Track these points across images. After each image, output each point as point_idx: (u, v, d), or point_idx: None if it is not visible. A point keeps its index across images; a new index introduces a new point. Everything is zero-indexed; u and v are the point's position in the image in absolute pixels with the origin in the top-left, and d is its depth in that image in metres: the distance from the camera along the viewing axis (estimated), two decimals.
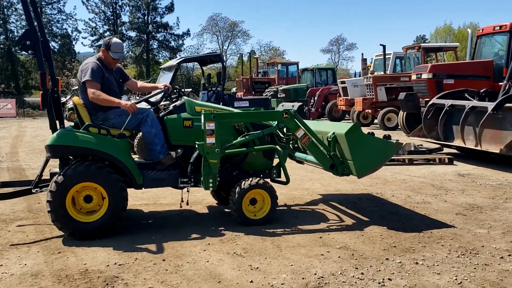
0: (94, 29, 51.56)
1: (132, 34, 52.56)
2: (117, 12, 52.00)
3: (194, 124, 4.75)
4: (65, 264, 3.64)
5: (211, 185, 4.62)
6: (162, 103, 5.08)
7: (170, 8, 52.36)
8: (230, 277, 3.39)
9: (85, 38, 58.67)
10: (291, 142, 5.36)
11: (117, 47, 4.75)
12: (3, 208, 5.35)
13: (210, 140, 4.49)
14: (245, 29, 64.73)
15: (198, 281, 3.33)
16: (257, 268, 3.55)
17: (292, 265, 3.60)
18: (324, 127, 5.28)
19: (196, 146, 4.57)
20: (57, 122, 4.58)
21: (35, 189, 4.71)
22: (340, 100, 18.99)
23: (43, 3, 49.08)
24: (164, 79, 10.77)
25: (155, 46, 53.90)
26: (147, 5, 51.13)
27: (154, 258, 3.78)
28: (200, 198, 5.85)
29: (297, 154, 5.66)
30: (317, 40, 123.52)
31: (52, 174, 4.46)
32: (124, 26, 52.22)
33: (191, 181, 4.72)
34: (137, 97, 7.63)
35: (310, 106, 21.20)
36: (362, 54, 19.98)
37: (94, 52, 49.21)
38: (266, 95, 24.18)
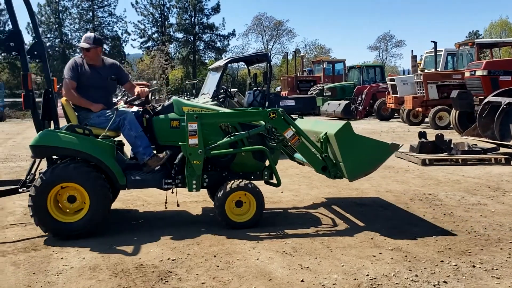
0: (142, 31, 53.01)
1: (179, 35, 53.70)
2: (165, 14, 53.25)
3: (181, 124, 4.64)
4: (121, 259, 3.77)
5: (194, 186, 4.53)
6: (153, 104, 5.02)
7: (216, 9, 53.07)
8: (281, 275, 3.40)
9: (134, 40, 60.34)
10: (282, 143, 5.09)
11: (84, 38, 4.81)
12: None
13: (193, 141, 4.42)
14: (290, 28, 64.64)
15: (249, 278, 3.36)
16: (307, 267, 3.54)
17: (343, 265, 3.56)
18: (319, 127, 5.07)
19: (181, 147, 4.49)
20: (52, 122, 4.59)
21: (22, 189, 4.64)
22: (389, 98, 18.57)
23: (95, 6, 51.04)
24: (211, 80, 10.89)
25: (201, 47, 54.76)
26: (194, 7, 52.02)
27: (206, 254, 3.84)
28: None
29: (296, 155, 5.41)
30: (364, 37, 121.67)
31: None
32: (171, 28, 53.37)
33: (175, 182, 4.64)
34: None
35: (357, 105, 20.89)
36: (412, 51, 19.52)
37: (143, 53, 50.62)
38: (312, 93, 24.04)
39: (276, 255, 3.80)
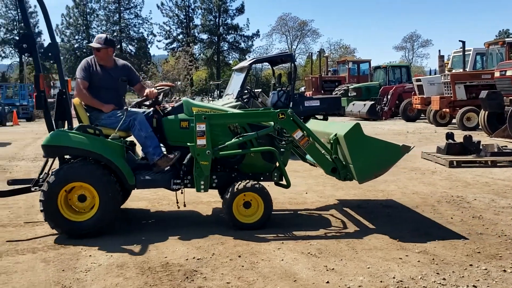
0: (168, 33, 53.66)
1: (204, 36, 54.13)
2: (190, 15, 53.76)
3: (190, 125, 4.63)
4: (147, 257, 3.82)
5: (202, 187, 4.52)
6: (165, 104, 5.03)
7: (240, 10, 53.33)
8: (306, 276, 3.39)
9: (159, 41, 61.18)
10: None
11: (96, 38, 4.86)
12: None
13: (201, 141, 4.42)
14: (315, 28, 64.26)
15: (274, 278, 3.36)
16: (333, 269, 3.51)
17: (369, 267, 3.52)
18: (330, 128, 5.01)
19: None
20: (66, 122, 4.65)
21: (34, 188, 4.67)
22: (415, 99, 18.30)
23: (121, 8, 51.91)
24: (235, 81, 10.94)
25: (225, 48, 55.04)
26: (219, 8, 52.37)
27: (230, 254, 3.86)
28: (273, 197, 5.87)
29: (308, 156, 5.31)
30: (390, 37, 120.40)
31: None
32: (196, 29, 53.83)
33: (183, 183, 4.64)
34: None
35: (382, 105, 20.65)
36: (439, 51, 19.09)
37: (168, 54, 51.22)
38: (336, 93, 23.87)
39: (301, 256, 3.79)
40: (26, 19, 4.55)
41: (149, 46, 55.01)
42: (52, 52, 4.59)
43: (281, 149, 4.84)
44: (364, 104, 20.84)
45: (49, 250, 4.04)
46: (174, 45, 53.07)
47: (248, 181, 4.50)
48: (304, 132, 4.63)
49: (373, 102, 20.73)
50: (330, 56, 48.79)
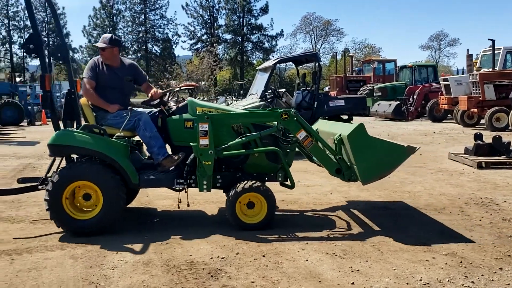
0: (192, 33, 54.04)
1: (228, 36, 54.32)
2: (214, 15, 54.05)
3: (195, 125, 4.61)
4: (173, 255, 3.86)
5: (205, 187, 4.54)
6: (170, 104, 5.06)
7: (264, 10, 53.33)
8: (331, 277, 3.36)
9: (184, 42, 61.69)
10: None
11: (101, 38, 4.91)
12: None
13: (204, 141, 4.43)
14: (339, 27, 63.83)
15: (298, 279, 3.35)
16: (358, 270, 3.48)
17: (395, 269, 3.48)
18: (336, 128, 4.93)
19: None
20: (75, 122, 4.76)
21: (41, 186, 4.70)
22: (442, 99, 17.95)
23: (147, 9, 52.58)
24: (259, 80, 10.95)
25: (249, 48, 55.13)
26: (243, 8, 52.49)
27: (255, 253, 3.86)
28: (296, 197, 5.87)
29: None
30: (416, 36, 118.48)
31: None
32: (220, 29, 54.08)
33: (187, 182, 4.65)
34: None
35: (408, 105, 20.32)
36: (468, 50, 18.90)
37: (192, 55, 51.64)
38: (361, 93, 23.65)
39: (326, 257, 3.76)
40: (33, 20, 4.62)
41: (173, 46, 55.62)
42: (61, 53, 4.70)
43: (286, 150, 4.84)
44: (390, 104, 20.56)
45: (77, 246, 4.12)
46: (198, 45, 53.47)
47: (251, 181, 4.50)
48: (308, 132, 4.61)
49: (398, 102, 20.43)
50: (355, 56, 48.34)
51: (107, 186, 4.37)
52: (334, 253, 3.84)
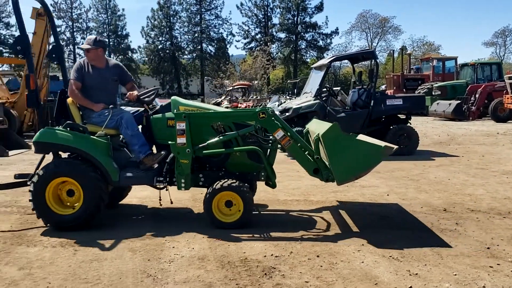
0: (246, 32, 54.39)
1: (282, 35, 54.17)
2: (268, 14, 54.08)
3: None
4: (227, 251, 3.90)
5: (183, 185, 4.59)
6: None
7: (319, 8, 52.72)
8: (387, 280, 3.28)
9: (238, 41, 62.20)
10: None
11: (86, 40, 4.96)
12: (180, 195, 5.86)
13: (181, 140, 4.45)
14: (397, 25, 62.02)
15: (354, 280, 3.28)
16: (416, 274, 3.37)
17: (455, 274, 3.33)
18: (319, 127, 4.72)
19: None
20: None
21: (30, 181, 4.71)
22: (507, 98, 17.05)
23: (202, 9, 53.54)
24: (314, 79, 10.85)
25: (303, 46, 54.76)
26: (297, 6, 52.16)
27: (309, 253, 3.83)
28: (351, 198, 5.77)
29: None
30: (478, 32, 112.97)
31: None
32: (274, 28, 54.09)
33: (166, 180, 4.67)
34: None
35: (470, 105, 19.43)
36: None
37: (246, 54, 52.02)
38: (419, 92, 22.87)
39: (382, 259, 3.67)
40: (20, 22, 4.81)
41: (228, 46, 56.16)
42: (56, 54, 4.88)
43: (267, 149, 4.81)
44: (450, 104, 19.74)
45: (136, 240, 4.26)
46: (252, 44, 53.71)
47: (227, 180, 4.52)
48: (286, 132, 4.55)
49: (459, 101, 19.58)
50: (413, 54, 46.81)
51: (87, 183, 4.50)
52: (391, 256, 3.74)
